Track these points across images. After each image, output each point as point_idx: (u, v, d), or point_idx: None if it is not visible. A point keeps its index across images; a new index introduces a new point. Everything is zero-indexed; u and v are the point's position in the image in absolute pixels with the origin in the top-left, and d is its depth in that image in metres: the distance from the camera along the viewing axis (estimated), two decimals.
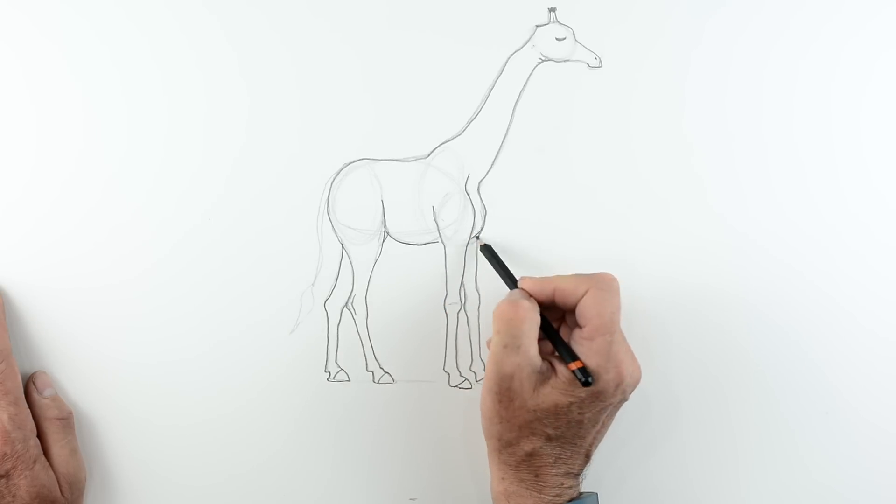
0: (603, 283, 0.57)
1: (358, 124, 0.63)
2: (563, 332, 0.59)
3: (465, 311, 0.64)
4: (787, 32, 0.64)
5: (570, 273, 0.59)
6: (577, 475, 0.58)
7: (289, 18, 0.62)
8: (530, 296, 0.58)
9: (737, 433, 0.65)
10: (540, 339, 0.57)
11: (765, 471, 0.65)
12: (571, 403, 0.56)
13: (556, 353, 0.57)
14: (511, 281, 0.60)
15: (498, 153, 0.64)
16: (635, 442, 0.65)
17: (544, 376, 0.56)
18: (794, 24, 0.64)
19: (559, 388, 0.56)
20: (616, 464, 0.65)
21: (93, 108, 0.62)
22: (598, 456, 0.60)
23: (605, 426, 0.59)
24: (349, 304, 0.64)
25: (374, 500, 0.64)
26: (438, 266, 0.64)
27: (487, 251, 0.62)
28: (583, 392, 0.55)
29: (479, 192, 0.64)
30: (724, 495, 0.66)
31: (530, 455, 0.57)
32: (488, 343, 0.58)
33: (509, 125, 0.63)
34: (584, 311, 0.57)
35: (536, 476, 0.57)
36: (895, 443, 0.66)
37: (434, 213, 0.64)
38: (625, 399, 0.59)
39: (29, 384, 0.61)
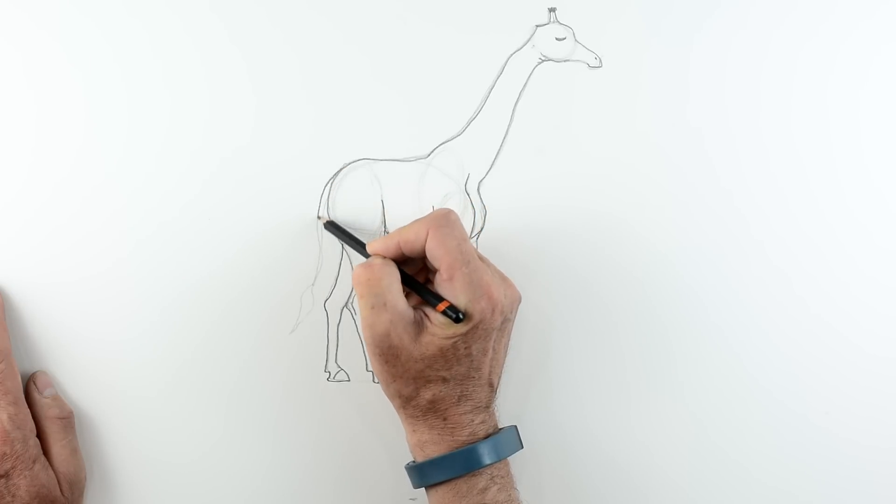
0: (440, 221, 0.56)
1: (358, 124, 0.63)
2: (432, 281, 0.59)
3: None
4: (786, 28, 0.65)
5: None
6: (486, 408, 0.58)
7: (290, 18, 0.62)
8: (384, 257, 0.58)
9: (737, 440, 0.65)
10: (409, 295, 0.58)
11: (765, 470, 0.65)
12: (455, 342, 0.56)
13: (426, 303, 0.57)
14: (361, 247, 0.60)
15: (498, 153, 0.64)
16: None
17: (420, 325, 0.56)
18: (792, 20, 0.65)
19: (438, 333, 0.56)
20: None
21: (94, 105, 0.61)
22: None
23: (497, 352, 0.59)
24: (349, 304, 0.64)
25: (374, 501, 0.64)
26: None
27: (332, 227, 0.62)
28: (461, 328, 0.55)
29: (479, 192, 0.64)
30: (727, 498, 0.66)
31: (432, 402, 0.57)
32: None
33: (509, 125, 0.63)
34: (433, 254, 0.56)
35: (445, 419, 0.57)
36: (895, 443, 0.66)
37: None
38: (508, 319, 0.58)
39: (29, 384, 0.61)
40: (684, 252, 0.65)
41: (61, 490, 0.59)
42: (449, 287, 0.56)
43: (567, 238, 0.64)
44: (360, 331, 0.63)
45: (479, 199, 0.64)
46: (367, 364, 0.63)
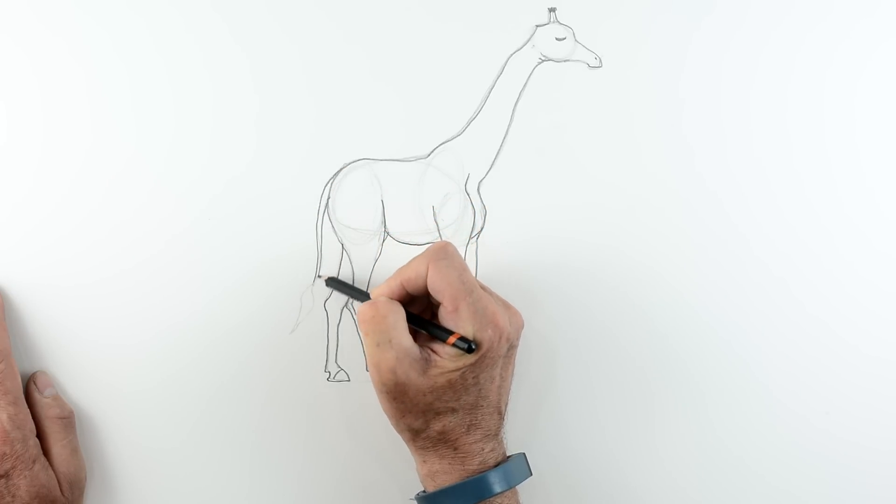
0: (438, 255, 0.57)
1: (358, 124, 0.63)
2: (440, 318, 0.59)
3: None
4: (787, 26, 0.65)
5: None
6: (496, 435, 0.58)
7: (292, 19, 0.62)
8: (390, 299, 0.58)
9: (736, 440, 0.65)
10: (416, 335, 0.58)
11: (765, 470, 0.65)
12: (464, 373, 0.56)
13: (434, 339, 0.57)
14: (367, 297, 0.60)
15: (498, 153, 0.64)
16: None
17: (427, 361, 0.56)
18: (792, 19, 0.65)
19: (447, 367, 0.56)
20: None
21: (99, 106, 0.61)
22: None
23: (504, 379, 0.59)
24: (349, 304, 0.64)
25: (374, 501, 0.64)
26: None
27: (334, 282, 0.62)
28: (470, 358, 0.55)
29: (479, 192, 0.64)
30: (725, 494, 0.66)
31: (442, 433, 0.57)
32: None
33: (509, 125, 0.64)
34: (435, 287, 0.56)
35: (455, 449, 0.57)
36: (895, 443, 0.66)
37: (434, 213, 0.64)
38: (514, 346, 0.59)
39: (30, 384, 0.61)
40: (685, 251, 0.65)
41: (61, 490, 0.59)
42: (454, 318, 0.56)
43: (567, 238, 0.64)
44: (360, 332, 0.63)
45: (479, 199, 0.64)
46: (367, 364, 0.63)
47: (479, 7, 0.63)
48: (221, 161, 0.62)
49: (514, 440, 0.61)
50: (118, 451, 0.62)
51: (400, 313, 0.57)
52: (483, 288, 0.58)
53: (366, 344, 0.56)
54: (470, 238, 0.64)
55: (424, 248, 0.63)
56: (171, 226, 0.62)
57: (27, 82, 0.61)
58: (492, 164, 0.64)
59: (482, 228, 0.64)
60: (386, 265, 0.63)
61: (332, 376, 0.64)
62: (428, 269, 0.56)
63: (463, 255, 0.64)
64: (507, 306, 0.59)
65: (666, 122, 0.64)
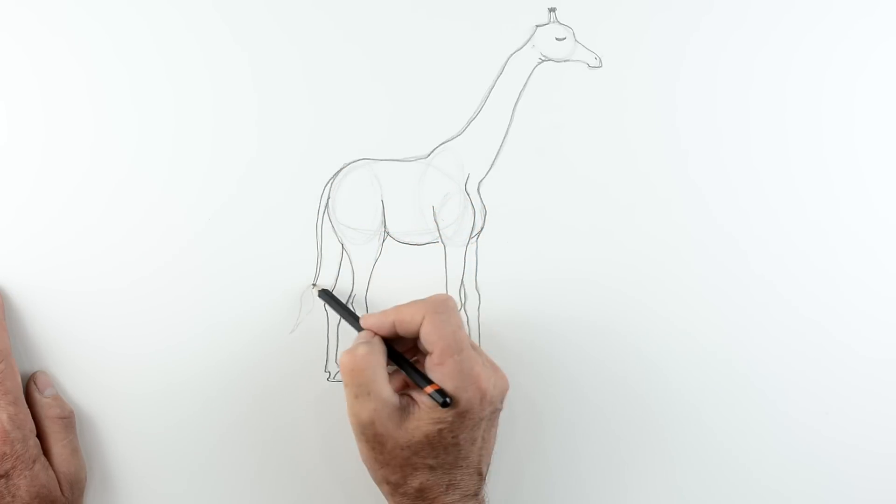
0: (438, 307, 0.57)
1: (358, 124, 0.63)
2: (421, 361, 0.59)
3: (465, 311, 0.64)
4: (786, 26, 0.65)
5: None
6: (475, 496, 0.58)
7: (292, 18, 0.62)
8: (375, 334, 0.58)
9: (734, 436, 0.65)
10: (396, 373, 0.58)
11: (765, 471, 0.65)
12: (441, 429, 0.56)
13: (414, 385, 0.57)
14: (355, 320, 0.60)
15: (498, 153, 0.64)
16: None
17: (406, 411, 0.56)
18: (791, 19, 0.65)
19: (424, 419, 0.56)
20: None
21: (101, 110, 0.61)
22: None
23: (486, 441, 0.59)
24: (350, 304, 0.64)
25: (373, 501, 0.64)
26: (438, 266, 0.64)
27: (327, 296, 0.62)
28: (448, 415, 0.55)
29: (479, 192, 0.64)
30: (723, 494, 0.66)
31: (421, 490, 0.57)
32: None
33: (509, 125, 0.64)
34: (427, 338, 0.57)
35: None
36: (895, 443, 0.66)
37: (434, 213, 0.64)
38: (497, 409, 0.59)
39: (30, 384, 0.61)
40: (683, 250, 0.65)
41: (61, 490, 0.59)
42: (439, 371, 0.56)
43: (567, 238, 0.64)
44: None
45: (479, 199, 0.64)
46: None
47: (478, 7, 0.63)
48: (221, 161, 0.62)
49: (496, 501, 0.61)
50: (118, 451, 0.62)
51: (380, 363, 0.57)
52: (474, 348, 0.58)
53: (345, 394, 0.57)
54: (470, 238, 0.64)
55: (425, 248, 0.63)
56: (171, 225, 0.62)
57: (27, 83, 0.61)
58: (492, 164, 0.64)
59: (482, 228, 0.64)
60: (386, 265, 0.63)
61: (332, 376, 0.64)
62: (424, 318, 0.56)
63: (463, 255, 0.64)
64: (494, 369, 0.59)
65: (666, 121, 0.64)
